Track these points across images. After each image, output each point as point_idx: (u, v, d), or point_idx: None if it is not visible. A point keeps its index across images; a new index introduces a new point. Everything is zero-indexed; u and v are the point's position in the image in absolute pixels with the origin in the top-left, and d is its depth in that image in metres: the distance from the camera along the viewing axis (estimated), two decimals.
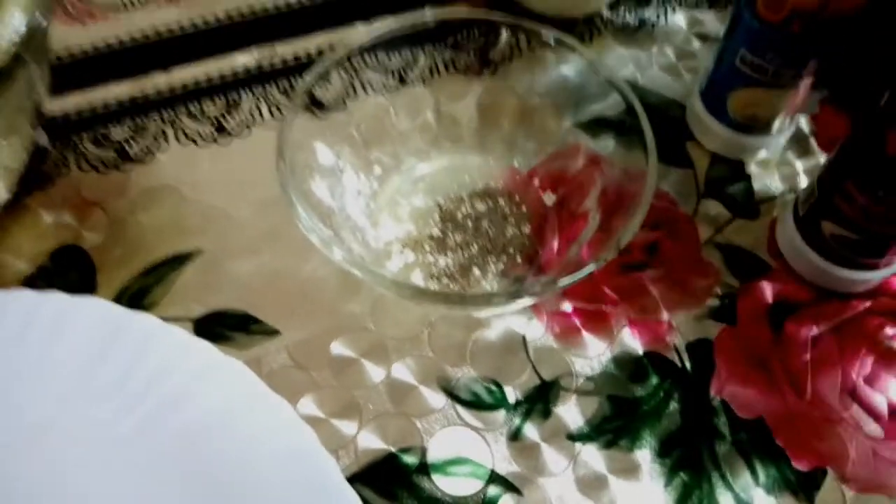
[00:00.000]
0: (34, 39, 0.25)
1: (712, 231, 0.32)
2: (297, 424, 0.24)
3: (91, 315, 0.27)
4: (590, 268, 0.24)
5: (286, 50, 0.38)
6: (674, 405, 0.28)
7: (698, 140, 0.35)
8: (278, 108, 0.36)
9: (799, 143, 0.35)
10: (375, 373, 0.29)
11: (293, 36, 0.39)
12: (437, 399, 0.28)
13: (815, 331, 0.29)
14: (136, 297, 0.30)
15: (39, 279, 0.31)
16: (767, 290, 0.30)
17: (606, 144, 0.30)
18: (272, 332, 0.29)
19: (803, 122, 0.36)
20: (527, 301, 0.26)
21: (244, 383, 0.25)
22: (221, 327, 0.30)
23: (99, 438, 0.25)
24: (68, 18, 0.40)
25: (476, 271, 0.29)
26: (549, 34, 0.31)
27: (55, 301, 0.27)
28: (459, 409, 0.28)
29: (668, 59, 0.38)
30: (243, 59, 0.38)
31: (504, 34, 0.32)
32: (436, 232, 0.30)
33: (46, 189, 0.34)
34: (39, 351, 0.26)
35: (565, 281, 0.24)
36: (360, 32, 0.39)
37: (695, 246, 0.32)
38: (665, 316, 0.30)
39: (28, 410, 0.26)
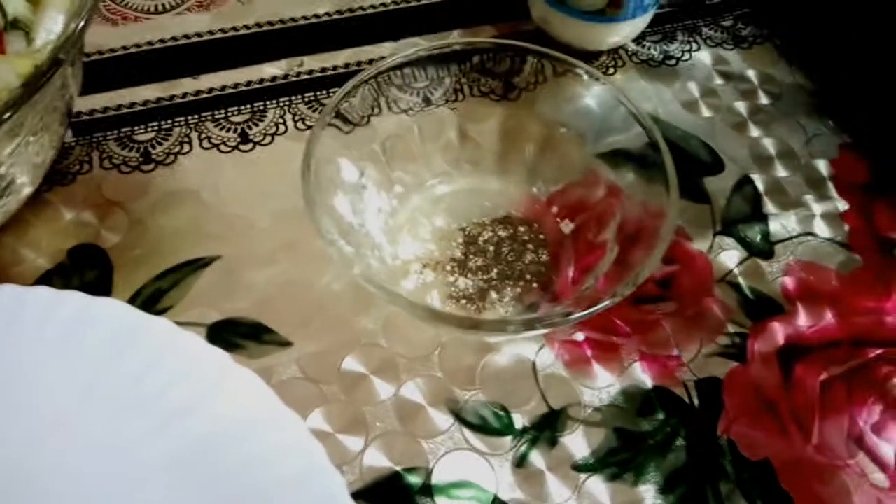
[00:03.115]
0: (73, 41, 0.25)
1: (726, 269, 0.32)
2: (308, 441, 0.24)
3: (108, 317, 0.27)
4: (606, 303, 0.25)
5: (313, 63, 0.38)
6: (680, 441, 0.28)
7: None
8: (303, 120, 0.36)
9: (817, 187, 0.35)
10: (384, 390, 0.29)
11: (321, 50, 0.39)
12: (444, 421, 0.28)
13: (824, 375, 0.29)
14: (151, 299, 0.30)
15: (57, 275, 0.31)
16: (779, 331, 0.31)
17: (626, 176, 0.30)
18: (284, 344, 0.30)
19: (822, 166, 0.36)
20: (541, 331, 0.27)
21: (258, 396, 0.25)
22: (234, 335, 0.30)
23: (107, 442, 0.25)
24: (100, 18, 0.40)
25: (493, 294, 0.29)
26: (574, 63, 0.31)
27: (74, 300, 0.27)
28: (466, 432, 0.28)
29: (690, 95, 0.39)
30: (271, 70, 0.38)
31: (529, 61, 0.32)
32: (458, 254, 0.30)
33: (68, 185, 0.34)
34: (55, 350, 0.26)
35: (581, 315, 0.25)
36: (387, 50, 0.39)
37: (708, 283, 0.32)
38: (675, 351, 0.30)
39: (40, 408, 0.26)
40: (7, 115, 0.23)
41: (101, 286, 0.31)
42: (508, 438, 0.28)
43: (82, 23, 0.25)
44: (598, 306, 0.25)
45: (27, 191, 0.31)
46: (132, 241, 0.32)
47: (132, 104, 0.37)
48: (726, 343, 0.30)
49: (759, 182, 0.35)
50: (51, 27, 0.28)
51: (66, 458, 0.25)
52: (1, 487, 0.24)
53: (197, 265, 0.31)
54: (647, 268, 0.25)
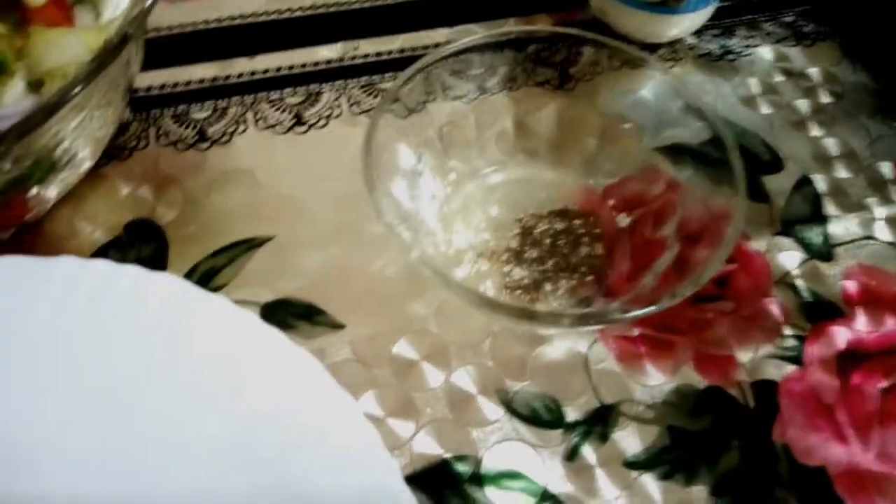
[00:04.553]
0: (143, 16, 0.25)
1: (785, 270, 0.32)
2: (363, 424, 0.24)
3: (166, 291, 0.27)
4: (666, 302, 0.24)
5: (369, 47, 0.38)
6: (734, 443, 0.28)
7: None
8: (357, 104, 0.36)
9: (879, 189, 0.34)
10: (435, 377, 0.29)
11: (376, 34, 0.39)
12: (494, 410, 0.28)
13: (884, 383, 0.29)
14: (205, 276, 0.31)
15: (113, 249, 0.31)
16: (838, 335, 0.30)
17: (686, 172, 0.30)
18: (337, 326, 0.30)
19: (885, 169, 0.35)
20: (596, 326, 0.26)
21: (313, 376, 0.25)
22: (287, 315, 0.30)
23: (160, 416, 0.25)
24: None
25: (547, 286, 0.29)
26: (633, 54, 0.31)
27: (131, 274, 0.27)
28: (516, 422, 0.28)
29: (749, 91, 0.38)
30: (326, 52, 0.38)
31: (587, 51, 0.32)
32: (514, 244, 0.30)
33: (125, 161, 0.34)
34: (111, 322, 0.27)
35: (639, 313, 0.24)
36: (443, 36, 0.39)
37: (766, 283, 0.31)
38: (731, 352, 0.29)
39: (94, 379, 0.26)
40: (78, 90, 0.24)
41: (156, 261, 0.31)
42: (559, 431, 0.28)
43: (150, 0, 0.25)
44: (657, 306, 0.24)
45: (87, 165, 0.31)
46: (187, 218, 0.32)
47: (188, 82, 0.37)
48: (783, 345, 0.30)
49: (819, 183, 0.35)
50: (118, 2, 0.28)
51: (117, 430, 0.25)
52: (53, 456, 0.25)
53: (250, 244, 0.32)
54: (710, 269, 0.25)
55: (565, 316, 0.26)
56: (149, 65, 0.36)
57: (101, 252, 0.31)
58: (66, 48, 0.26)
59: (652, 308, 0.24)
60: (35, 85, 0.26)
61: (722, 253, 0.25)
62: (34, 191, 0.28)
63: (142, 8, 0.26)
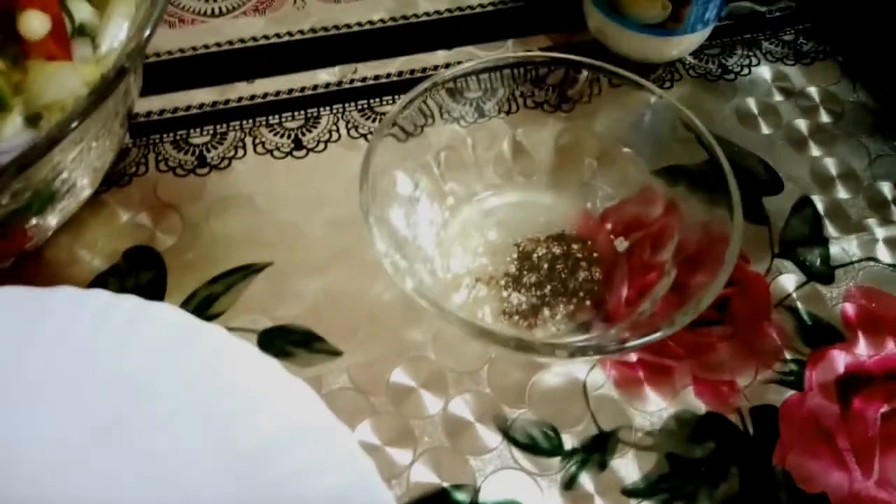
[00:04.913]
0: (140, 50, 0.25)
1: (785, 293, 0.32)
2: (358, 454, 0.24)
3: (162, 322, 0.27)
4: (665, 331, 0.24)
5: (367, 70, 0.38)
6: (734, 470, 0.27)
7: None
8: (356, 128, 0.36)
9: (880, 210, 0.34)
10: (433, 404, 0.29)
11: (375, 57, 0.39)
12: (492, 438, 0.28)
13: (885, 408, 0.28)
14: (203, 303, 0.31)
15: (112, 277, 0.31)
16: (838, 359, 0.30)
17: (684, 195, 0.30)
18: (334, 353, 0.30)
19: (885, 189, 0.35)
20: (595, 357, 0.26)
21: (308, 406, 0.25)
22: (285, 342, 0.30)
23: (158, 447, 0.25)
24: None
25: (546, 311, 0.29)
26: (630, 77, 0.31)
27: (129, 304, 0.27)
28: (514, 451, 0.28)
29: (749, 111, 0.38)
30: (325, 76, 0.38)
31: (584, 73, 0.32)
32: (512, 269, 0.30)
33: (124, 187, 0.34)
34: (110, 352, 0.27)
35: (636, 343, 0.24)
36: (441, 59, 0.39)
37: (765, 307, 0.31)
38: (730, 376, 0.29)
39: (94, 411, 0.26)
40: (75, 124, 0.24)
41: (155, 289, 0.31)
42: (557, 459, 0.27)
43: (149, 32, 0.26)
44: (655, 335, 0.24)
45: (86, 193, 0.31)
46: (186, 245, 0.32)
47: (188, 107, 0.37)
48: (783, 370, 0.30)
49: (819, 203, 0.34)
50: (116, 34, 0.29)
51: (114, 460, 0.25)
52: (50, 488, 0.25)
53: (249, 271, 0.32)
54: (708, 295, 0.25)
55: (562, 347, 0.26)
56: (148, 90, 0.37)
57: (101, 279, 0.31)
58: (64, 82, 0.26)
59: (650, 338, 0.24)
60: (33, 119, 0.26)
61: (720, 279, 0.25)
62: (33, 221, 0.29)
63: (139, 40, 0.26)
